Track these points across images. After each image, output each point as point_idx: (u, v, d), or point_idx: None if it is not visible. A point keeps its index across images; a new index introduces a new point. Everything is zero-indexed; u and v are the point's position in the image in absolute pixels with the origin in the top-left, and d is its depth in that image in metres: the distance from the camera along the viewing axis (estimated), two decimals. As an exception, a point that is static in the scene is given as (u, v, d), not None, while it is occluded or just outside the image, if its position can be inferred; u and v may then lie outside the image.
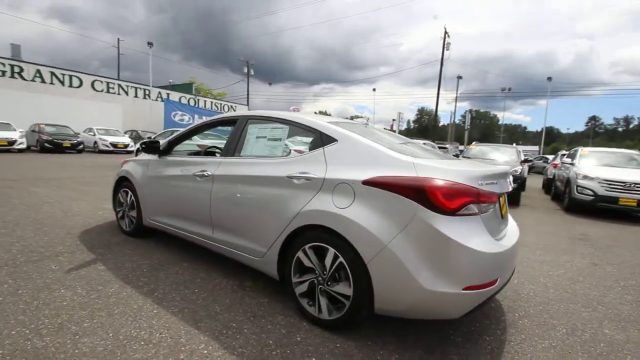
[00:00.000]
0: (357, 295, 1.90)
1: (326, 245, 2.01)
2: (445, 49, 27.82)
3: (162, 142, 3.34)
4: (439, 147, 18.09)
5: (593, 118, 65.60)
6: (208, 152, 3.75)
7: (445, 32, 27.80)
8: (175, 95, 26.13)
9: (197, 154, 3.66)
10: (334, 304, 2.03)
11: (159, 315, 2.12)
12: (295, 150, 2.87)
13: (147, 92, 24.43)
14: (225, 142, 2.86)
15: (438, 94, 28.36)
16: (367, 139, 2.14)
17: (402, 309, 1.81)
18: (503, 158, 8.91)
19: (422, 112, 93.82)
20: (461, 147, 26.00)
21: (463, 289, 1.69)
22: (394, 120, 57.02)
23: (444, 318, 1.81)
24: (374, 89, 50.95)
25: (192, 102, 27.34)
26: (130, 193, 3.58)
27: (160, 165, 3.29)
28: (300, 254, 2.14)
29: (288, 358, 1.77)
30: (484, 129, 76.28)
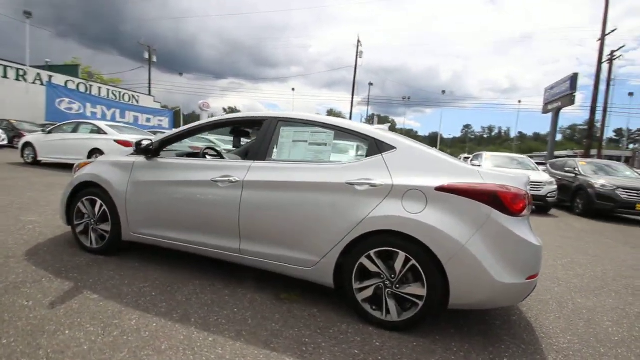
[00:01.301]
0: (430, 294, 2.02)
1: (395, 250, 2.08)
2: (358, 56, 29.89)
3: (154, 141, 2.86)
4: None
5: (467, 126, 79.30)
6: (194, 154, 3.33)
7: (359, 41, 29.90)
8: (60, 79, 21.68)
9: (189, 155, 3.24)
10: (402, 305, 2.12)
11: (219, 343, 1.87)
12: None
13: (21, 73, 19.66)
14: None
15: (352, 98, 30.30)
16: (425, 148, 2.28)
17: (475, 302, 2.01)
18: None
19: (331, 113, 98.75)
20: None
21: (526, 279, 1.98)
22: (308, 120, 58.47)
23: (508, 305, 2.08)
24: (293, 89, 50.64)
25: (82, 88, 23.08)
26: (100, 202, 2.95)
27: (153, 169, 2.82)
28: (364, 260, 2.16)
29: (384, 364, 1.80)
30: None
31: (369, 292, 2.17)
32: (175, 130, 2.95)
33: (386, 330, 2.12)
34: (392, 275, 2.11)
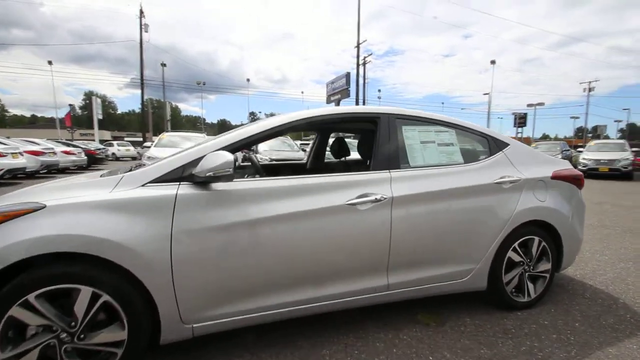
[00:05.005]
0: (553, 266, 2.42)
1: (532, 237, 2.32)
2: (143, 30, 25.23)
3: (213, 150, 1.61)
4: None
5: (252, 113, 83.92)
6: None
7: (141, 11, 25.14)
8: None
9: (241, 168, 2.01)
10: (535, 284, 2.40)
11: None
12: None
13: None
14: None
15: (142, 80, 25.57)
16: (520, 142, 2.56)
17: (571, 261, 2.57)
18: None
19: (90, 96, 78.92)
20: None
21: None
22: (70, 105, 44.53)
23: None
24: (50, 62, 33.90)
25: None
26: (90, 292, 1.43)
27: (223, 203, 1.64)
28: (510, 253, 2.27)
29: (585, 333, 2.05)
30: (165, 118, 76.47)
31: (515, 281, 2.32)
32: (240, 133, 1.78)
33: (530, 309, 2.35)
34: (529, 260, 2.34)
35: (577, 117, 52.87)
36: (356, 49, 28.64)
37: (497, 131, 2.56)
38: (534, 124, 35.56)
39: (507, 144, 2.42)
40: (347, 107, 2.16)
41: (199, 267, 1.58)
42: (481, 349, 1.90)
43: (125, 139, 40.11)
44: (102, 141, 27.05)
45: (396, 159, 2.05)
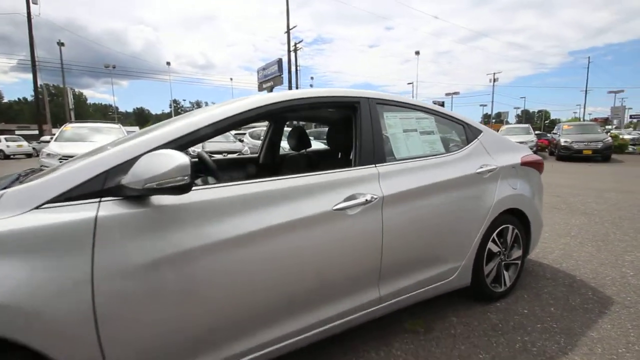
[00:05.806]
0: (524, 253, 2.42)
1: (507, 225, 2.27)
2: (31, 1, 20.89)
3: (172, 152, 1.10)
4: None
5: (175, 101, 76.93)
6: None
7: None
8: None
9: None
10: (509, 272, 2.37)
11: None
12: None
13: None
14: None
15: (34, 64, 21.35)
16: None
17: (536, 244, 2.60)
18: (109, 138, 7.66)
19: (-39, 81, 64.25)
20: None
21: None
22: None
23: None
24: None
25: None
26: None
27: (167, 225, 1.15)
28: (490, 245, 2.18)
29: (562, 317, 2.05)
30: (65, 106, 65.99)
31: (493, 273, 2.25)
32: (191, 122, 1.27)
33: (506, 298, 2.32)
34: (505, 249, 2.29)
35: (485, 105, 59.79)
36: (286, 34, 27.88)
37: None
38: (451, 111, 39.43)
39: (481, 131, 2.30)
40: (323, 89, 1.76)
41: (143, 319, 1.10)
42: (479, 354, 1.75)
43: (17, 132, 33.49)
44: (-18, 136, 22.04)
45: (382, 151, 1.75)
